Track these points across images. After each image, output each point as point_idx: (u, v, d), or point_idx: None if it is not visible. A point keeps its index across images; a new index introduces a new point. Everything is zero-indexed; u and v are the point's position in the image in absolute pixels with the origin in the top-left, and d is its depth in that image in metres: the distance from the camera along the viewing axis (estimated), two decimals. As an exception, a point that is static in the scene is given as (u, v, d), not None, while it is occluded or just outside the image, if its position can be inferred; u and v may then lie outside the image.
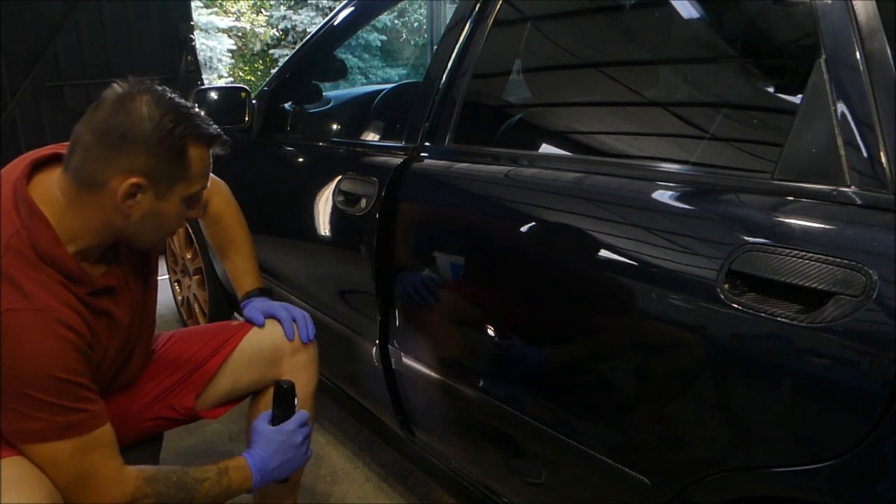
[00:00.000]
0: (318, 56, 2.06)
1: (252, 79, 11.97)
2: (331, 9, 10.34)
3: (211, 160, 1.03)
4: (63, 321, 0.90)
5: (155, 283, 1.21)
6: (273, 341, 1.28)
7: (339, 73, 2.41)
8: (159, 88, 0.97)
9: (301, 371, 1.30)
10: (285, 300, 1.72)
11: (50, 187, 0.95)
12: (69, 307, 0.92)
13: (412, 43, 12.06)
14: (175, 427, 1.31)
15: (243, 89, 1.92)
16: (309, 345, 1.30)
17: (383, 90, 2.32)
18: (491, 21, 1.30)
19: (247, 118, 1.91)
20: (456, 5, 1.45)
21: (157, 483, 0.99)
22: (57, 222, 0.94)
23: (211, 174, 1.40)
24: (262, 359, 1.27)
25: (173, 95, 0.98)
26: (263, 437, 1.13)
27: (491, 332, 1.18)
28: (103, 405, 0.97)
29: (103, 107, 0.93)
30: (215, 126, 1.02)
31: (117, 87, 0.94)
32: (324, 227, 1.58)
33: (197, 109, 1.00)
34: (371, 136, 2.11)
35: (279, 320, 1.29)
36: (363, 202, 1.40)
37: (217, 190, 1.39)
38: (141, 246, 1.07)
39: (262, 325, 1.29)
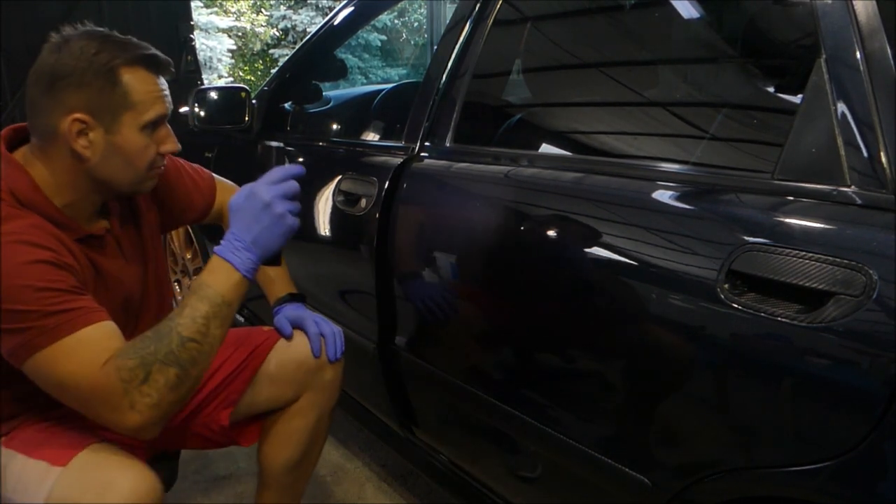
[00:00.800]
0: (318, 56, 2.06)
1: (252, 79, 11.97)
2: (331, 9, 10.34)
3: (160, 85, 0.98)
4: (32, 241, 0.89)
5: (160, 258, 1.18)
6: (298, 357, 1.22)
7: (339, 73, 2.41)
8: (95, 29, 0.96)
9: (324, 390, 1.24)
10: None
11: (26, 153, 0.98)
12: (44, 231, 0.91)
13: (412, 43, 12.06)
14: (205, 448, 1.27)
15: (243, 89, 1.92)
16: (336, 363, 1.23)
17: (383, 90, 2.32)
18: (491, 21, 1.30)
19: (247, 118, 1.90)
20: (456, 5, 1.45)
21: (133, 351, 0.87)
22: (39, 182, 0.95)
23: (230, 183, 1.34)
24: (285, 373, 1.21)
25: (105, 30, 0.96)
26: (233, 212, 0.96)
27: (491, 331, 1.18)
28: (95, 305, 0.91)
29: (41, 57, 0.93)
30: (153, 49, 0.98)
31: (53, 39, 0.94)
32: (324, 227, 1.58)
33: (130, 38, 0.97)
34: (371, 136, 2.11)
35: (307, 334, 1.22)
36: (363, 202, 1.40)
37: None
38: (126, 189, 1.02)
39: (289, 337, 1.23)
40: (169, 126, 1.01)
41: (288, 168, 0.99)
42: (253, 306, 2.08)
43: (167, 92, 1.00)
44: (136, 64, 0.95)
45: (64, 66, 0.91)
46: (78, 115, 0.92)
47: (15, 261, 0.86)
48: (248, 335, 1.25)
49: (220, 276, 0.93)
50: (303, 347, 1.21)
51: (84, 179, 0.97)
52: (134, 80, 0.94)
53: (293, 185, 0.97)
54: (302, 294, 1.33)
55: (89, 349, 0.87)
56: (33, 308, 0.86)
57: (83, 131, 0.93)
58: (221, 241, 0.95)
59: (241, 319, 2.16)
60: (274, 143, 1.09)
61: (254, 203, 0.94)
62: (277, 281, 1.32)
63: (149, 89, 0.96)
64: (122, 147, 0.96)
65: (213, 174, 1.33)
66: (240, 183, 1.43)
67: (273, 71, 2.33)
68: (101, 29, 0.96)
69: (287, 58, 2.10)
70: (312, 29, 2.31)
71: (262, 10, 12.15)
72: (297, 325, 1.24)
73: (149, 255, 1.14)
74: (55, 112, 0.92)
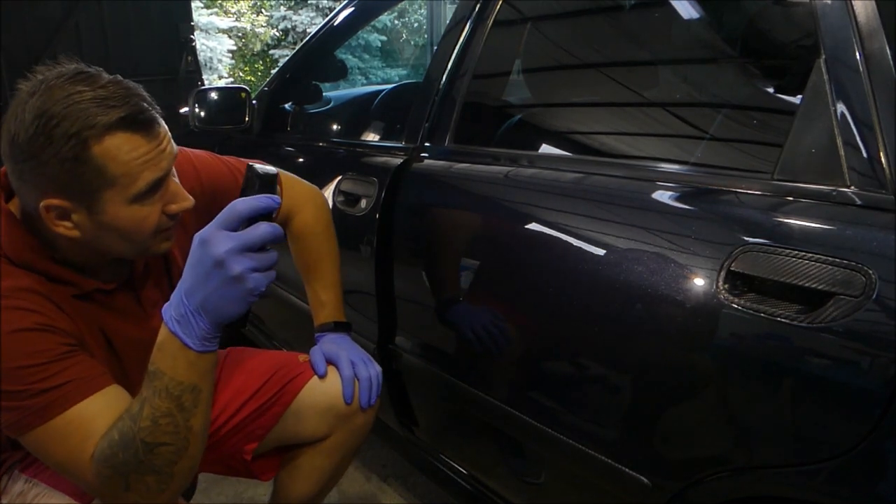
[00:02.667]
0: (319, 56, 2.06)
1: (252, 79, 11.98)
2: (331, 9, 10.35)
3: (151, 144, 0.79)
4: (14, 306, 0.80)
5: None
6: (328, 399, 1.12)
7: (339, 73, 2.42)
8: (63, 72, 0.78)
9: (353, 434, 1.16)
10: (284, 300, 1.72)
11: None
12: (30, 292, 0.82)
13: (412, 43, 12.07)
14: (222, 474, 1.23)
15: (243, 89, 1.92)
16: (368, 409, 1.14)
17: (383, 90, 2.32)
18: (491, 21, 1.30)
19: (247, 118, 1.91)
20: (456, 5, 1.45)
21: (103, 458, 0.78)
22: (39, 238, 0.86)
23: (307, 183, 1.22)
24: (314, 413, 1.13)
25: (79, 76, 0.77)
26: (188, 258, 0.76)
27: (491, 332, 1.18)
28: (90, 370, 0.82)
29: (6, 116, 0.78)
30: (132, 102, 0.77)
31: (23, 90, 0.78)
32: (324, 228, 1.58)
33: (108, 86, 0.78)
34: (371, 137, 2.11)
35: (340, 376, 1.13)
36: (363, 202, 1.40)
37: (303, 204, 1.21)
38: (133, 257, 0.90)
39: (322, 376, 1.13)
40: (175, 180, 0.85)
41: (255, 203, 0.74)
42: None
43: (164, 144, 0.81)
44: (111, 131, 0.76)
45: (22, 143, 0.75)
46: (53, 202, 0.78)
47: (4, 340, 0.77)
48: (281, 367, 1.16)
49: (172, 358, 0.76)
50: (335, 390, 1.12)
51: (83, 248, 0.86)
52: (110, 151, 0.76)
53: (262, 233, 0.74)
54: (348, 323, 1.24)
55: (79, 433, 0.79)
56: (19, 388, 0.78)
57: (63, 215, 0.80)
58: (172, 296, 0.77)
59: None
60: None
61: (204, 256, 0.73)
62: (328, 306, 1.23)
63: (131, 157, 0.77)
64: (112, 225, 0.81)
65: (279, 171, 1.23)
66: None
67: (273, 71, 2.33)
68: (71, 72, 0.78)
69: (287, 58, 2.10)
70: (312, 29, 2.31)
71: (263, 10, 12.16)
72: (333, 362, 1.14)
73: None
74: (28, 193, 0.79)
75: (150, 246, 0.87)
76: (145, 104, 0.80)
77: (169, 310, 0.77)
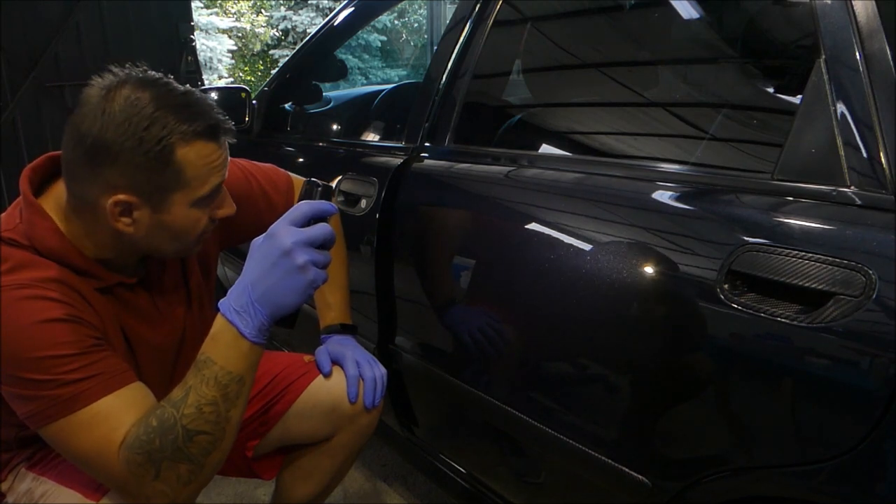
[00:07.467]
0: (319, 56, 2.06)
1: (252, 79, 11.98)
2: (331, 9, 10.35)
3: (220, 151, 0.86)
4: (45, 296, 0.81)
5: (210, 293, 1.10)
6: (333, 399, 1.13)
7: (339, 73, 2.42)
8: (143, 77, 0.83)
9: (357, 434, 1.16)
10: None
11: (60, 196, 0.88)
12: (59, 283, 0.84)
13: (412, 43, 12.07)
14: (224, 475, 1.22)
15: (243, 90, 1.92)
16: (373, 409, 1.14)
17: (383, 90, 2.32)
18: (491, 21, 1.31)
19: (247, 118, 1.91)
20: (456, 5, 1.45)
21: (138, 444, 0.79)
22: (66, 230, 0.87)
23: None
24: (318, 413, 1.13)
25: (159, 82, 0.83)
26: (249, 254, 0.82)
27: (491, 332, 1.18)
28: (116, 366, 0.83)
29: (81, 110, 0.81)
30: (212, 112, 0.84)
31: (96, 86, 0.81)
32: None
33: (189, 94, 0.84)
34: (371, 137, 2.11)
35: (345, 376, 1.13)
36: (363, 202, 1.41)
37: None
38: (170, 256, 0.94)
39: (327, 375, 1.14)
40: (224, 188, 0.90)
41: (319, 205, 0.83)
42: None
43: (227, 154, 0.88)
44: (196, 138, 0.82)
45: (108, 140, 0.79)
46: (122, 197, 0.82)
47: (26, 321, 0.79)
48: (286, 367, 1.17)
49: (226, 347, 0.80)
50: (339, 390, 1.12)
51: (124, 245, 0.89)
52: (189, 155, 0.82)
53: (324, 231, 0.81)
54: (354, 326, 1.25)
55: (106, 424, 0.80)
56: (47, 377, 0.78)
57: (126, 212, 0.83)
58: (229, 291, 0.82)
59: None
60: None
61: (271, 248, 0.79)
62: (335, 308, 1.24)
63: (206, 163, 0.84)
64: (170, 225, 0.86)
65: (292, 177, 1.23)
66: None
67: (273, 71, 2.33)
68: (150, 77, 0.83)
69: (287, 58, 2.10)
70: (312, 30, 2.31)
71: (263, 10, 12.16)
72: (338, 363, 1.15)
73: (193, 295, 1.06)
74: (95, 186, 0.82)
75: (192, 247, 0.93)
76: (221, 115, 0.86)
77: (228, 301, 0.81)
